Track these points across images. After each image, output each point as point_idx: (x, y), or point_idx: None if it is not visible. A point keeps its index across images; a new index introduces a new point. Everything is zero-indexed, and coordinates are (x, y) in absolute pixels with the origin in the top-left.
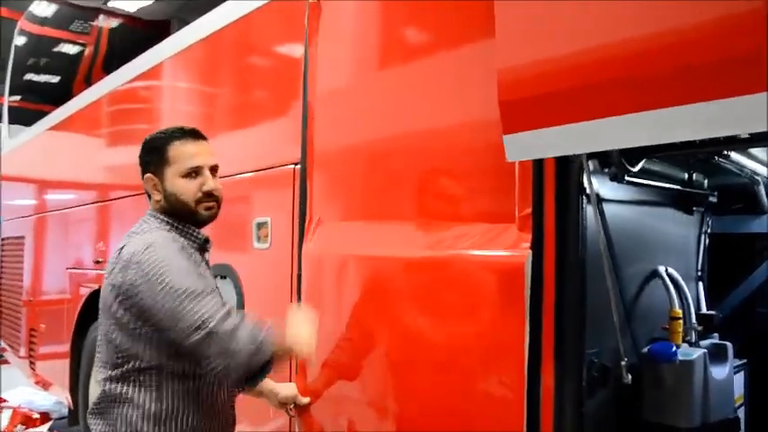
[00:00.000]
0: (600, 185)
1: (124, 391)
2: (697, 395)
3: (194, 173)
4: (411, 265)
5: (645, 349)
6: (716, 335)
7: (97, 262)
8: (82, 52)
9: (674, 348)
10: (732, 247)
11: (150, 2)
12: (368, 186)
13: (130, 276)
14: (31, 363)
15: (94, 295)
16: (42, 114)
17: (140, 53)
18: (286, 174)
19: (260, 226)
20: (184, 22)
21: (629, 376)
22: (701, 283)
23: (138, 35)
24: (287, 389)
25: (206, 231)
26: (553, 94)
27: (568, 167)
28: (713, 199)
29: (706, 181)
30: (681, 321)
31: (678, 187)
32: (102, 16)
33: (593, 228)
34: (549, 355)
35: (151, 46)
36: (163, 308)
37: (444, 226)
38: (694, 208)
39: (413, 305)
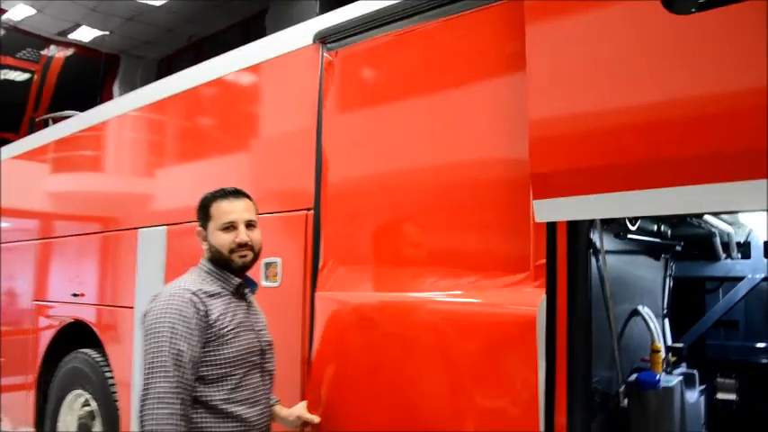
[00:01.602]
0: (597, 239)
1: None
2: (676, 416)
3: (230, 227)
4: (428, 312)
5: (631, 377)
6: (684, 364)
7: (74, 295)
8: (30, 80)
9: (658, 377)
10: (691, 288)
11: (105, 33)
12: (382, 233)
13: (142, 314)
14: None
15: (67, 329)
16: None
17: (88, 84)
18: (298, 218)
19: (268, 265)
20: (135, 57)
21: (626, 400)
22: (666, 320)
23: (88, 66)
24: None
25: None
26: (581, 169)
27: (578, 224)
28: (679, 248)
29: (669, 231)
30: (661, 354)
31: (657, 240)
32: (52, 46)
33: (594, 275)
34: (563, 387)
35: (101, 78)
36: (143, 363)
37: (458, 274)
38: (662, 255)
39: (430, 352)
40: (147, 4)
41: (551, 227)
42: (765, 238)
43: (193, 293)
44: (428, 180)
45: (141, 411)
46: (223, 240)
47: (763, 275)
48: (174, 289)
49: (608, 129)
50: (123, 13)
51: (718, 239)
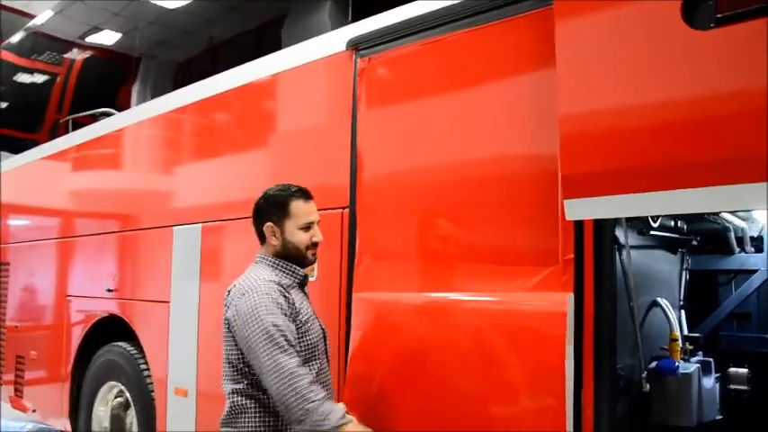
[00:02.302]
0: (621, 234)
1: (244, 403)
2: (694, 401)
3: (309, 226)
4: (463, 310)
5: (652, 364)
6: (700, 352)
7: (109, 290)
8: (52, 82)
9: (677, 364)
10: (705, 280)
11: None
12: (415, 231)
13: (231, 314)
14: (17, 389)
15: (100, 323)
16: (18, 141)
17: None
18: (334, 216)
19: None
20: (153, 58)
21: (648, 385)
22: (683, 311)
23: (109, 68)
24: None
25: None
26: (611, 171)
27: (604, 221)
28: (695, 243)
29: (685, 226)
30: (679, 342)
31: (675, 235)
32: (74, 48)
33: (618, 269)
34: (590, 373)
35: (121, 79)
36: (248, 349)
37: (490, 268)
38: (679, 249)
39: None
40: (164, 6)
41: (578, 223)
42: None
43: (279, 284)
44: (459, 179)
45: (282, 391)
46: (302, 238)
47: None
48: (259, 282)
49: (637, 131)
50: (144, 15)
51: (732, 234)
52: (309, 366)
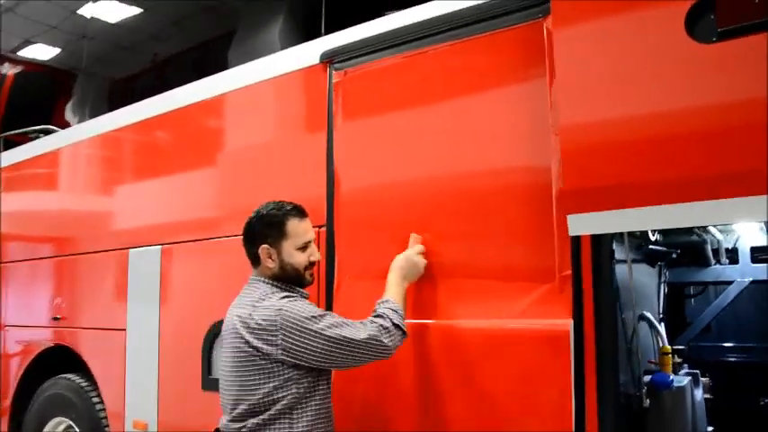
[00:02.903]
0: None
1: None
2: (688, 414)
3: (306, 246)
4: (456, 335)
5: (645, 379)
6: (686, 365)
7: (55, 318)
8: None
9: (671, 377)
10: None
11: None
12: (397, 250)
13: (281, 340)
14: None
15: (45, 354)
16: None
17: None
18: None
19: None
20: (92, 75)
21: (648, 401)
22: (662, 324)
23: (43, 83)
24: None
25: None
26: (614, 185)
27: (603, 235)
28: (674, 255)
29: (660, 238)
30: (670, 356)
31: (661, 248)
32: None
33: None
34: (593, 394)
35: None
36: (324, 352)
37: (481, 286)
38: (658, 262)
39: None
40: (104, 21)
41: (575, 238)
42: (752, 245)
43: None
44: (440, 194)
45: (369, 347)
46: (301, 259)
47: (750, 279)
48: (278, 302)
49: (641, 144)
50: (80, 30)
51: (709, 246)
52: (325, 383)
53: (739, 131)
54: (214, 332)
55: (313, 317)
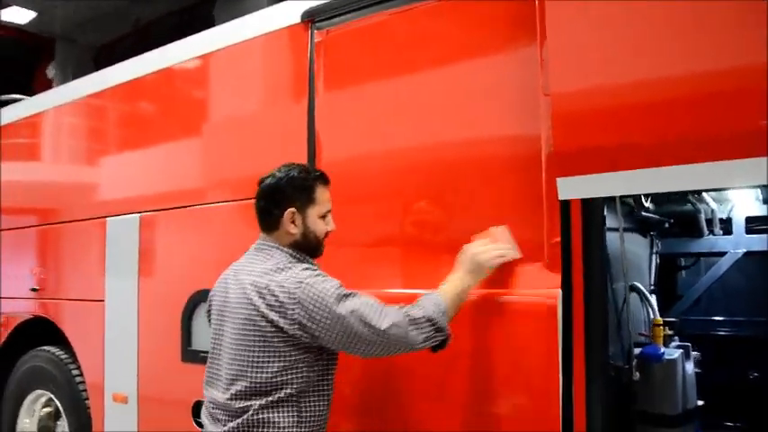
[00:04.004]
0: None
1: (271, 418)
2: (678, 387)
3: (326, 215)
4: None
5: (635, 351)
6: (677, 337)
7: (33, 289)
8: None
9: (662, 350)
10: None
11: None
12: (382, 220)
13: (297, 315)
14: None
15: (24, 326)
16: None
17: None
18: None
19: None
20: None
21: (638, 374)
22: (653, 296)
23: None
24: None
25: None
26: (606, 147)
27: (593, 202)
28: (666, 225)
29: (651, 207)
30: (661, 328)
31: (655, 216)
32: None
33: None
34: (581, 366)
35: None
36: (345, 333)
37: None
38: (649, 232)
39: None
40: None
41: (565, 205)
42: (747, 214)
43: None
44: (429, 163)
45: (395, 331)
46: (322, 228)
47: (743, 250)
48: (300, 274)
49: (635, 103)
50: None
51: (702, 216)
52: (334, 369)
53: (739, 91)
54: (194, 303)
55: (337, 297)
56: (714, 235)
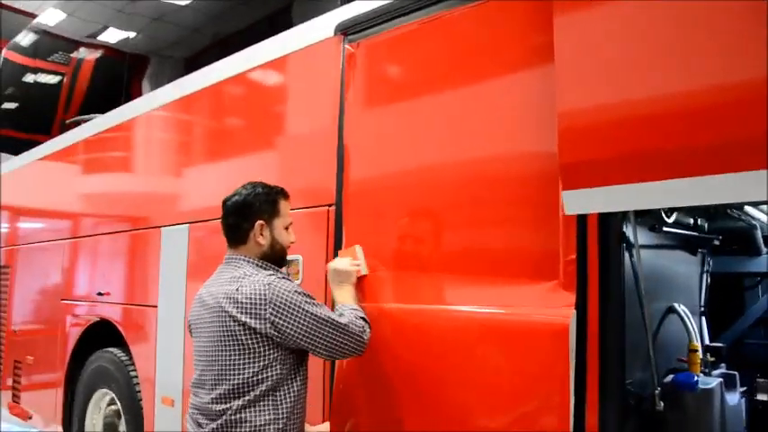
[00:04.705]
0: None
1: (247, 416)
2: (716, 420)
3: (289, 227)
4: (458, 323)
5: (667, 378)
6: (723, 364)
7: (99, 294)
8: (61, 83)
9: (696, 378)
10: (730, 284)
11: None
12: (407, 233)
13: (269, 314)
14: (15, 395)
15: (93, 328)
16: (25, 142)
17: (118, 85)
18: (320, 214)
19: (289, 263)
20: (164, 57)
21: (661, 403)
22: (703, 318)
23: (117, 68)
24: (323, 427)
25: None
26: (614, 157)
27: (610, 218)
28: (717, 242)
29: (706, 225)
30: (699, 353)
31: (694, 233)
32: (81, 48)
33: (628, 272)
34: (594, 390)
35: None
36: (311, 327)
37: (487, 273)
38: (699, 249)
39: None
40: (172, 3)
41: (581, 220)
42: None
43: (282, 278)
44: (457, 177)
45: (351, 335)
46: (287, 238)
47: None
48: (266, 278)
49: (641, 115)
50: (149, 13)
51: (759, 233)
52: (306, 365)
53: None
54: None
55: (301, 293)
56: None
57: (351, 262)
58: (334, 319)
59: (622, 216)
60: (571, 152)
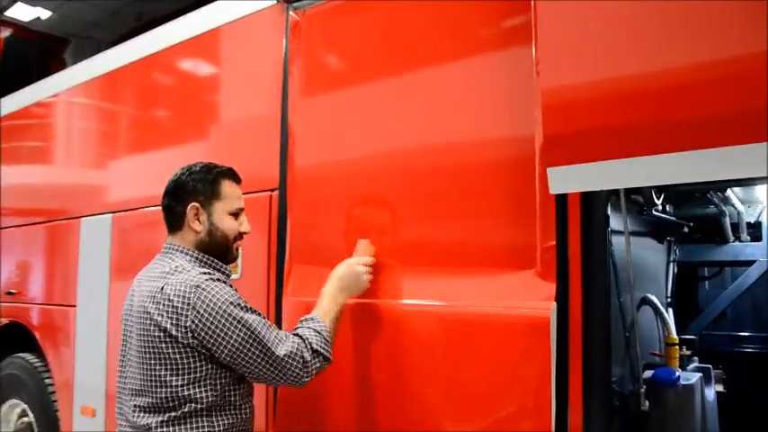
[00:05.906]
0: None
1: None
2: (697, 415)
3: (237, 213)
4: (429, 318)
5: (646, 374)
6: (696, 358)
7: (9, 293)
8: None
9: (677, 374)
10: (693, 273)
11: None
12: (359, 222)
13: (190, 321)
14: None
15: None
16: None
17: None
18: (261, 200)
19: None
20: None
21: (647, 403)
22: (670, 309)
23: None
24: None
25: None
26: (599, 130)
27: (594, 199)
28: (686, 229)
29: (672, 210)
30: (677, 347)
31: (671, 218)
32: None
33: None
34: (578, 390)
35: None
36: (236, 346)
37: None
38: (666, 237)
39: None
40: None
41: (561, 203)
42: None
43: (217, 281)
44: (413, 159)
45: (289, 363)
46: (232, 226)
47: None
48: (196, 278)
49: (631, 89)
50: None
51: (727, 220)
52: (248, 385)
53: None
54: None
55: (236, 303)
56: (741, 241)
57: (360, 261)
58: (267, 346)
59: (606, 198)
60: (555, 127)
